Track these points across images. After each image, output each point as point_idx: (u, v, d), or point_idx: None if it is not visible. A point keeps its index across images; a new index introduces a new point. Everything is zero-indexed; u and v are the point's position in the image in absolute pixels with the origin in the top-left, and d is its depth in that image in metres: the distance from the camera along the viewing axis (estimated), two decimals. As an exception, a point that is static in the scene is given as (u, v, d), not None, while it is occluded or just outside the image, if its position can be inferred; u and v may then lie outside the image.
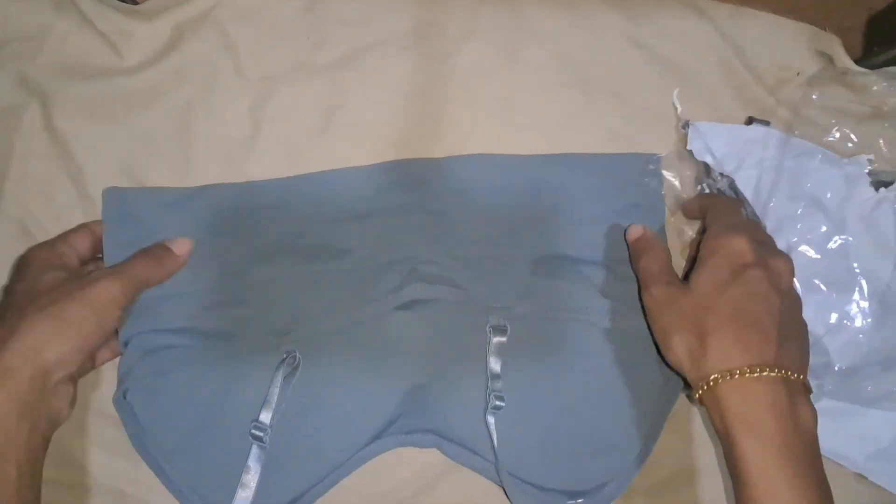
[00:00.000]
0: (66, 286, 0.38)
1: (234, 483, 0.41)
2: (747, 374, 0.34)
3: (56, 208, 0.45)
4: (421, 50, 0.47)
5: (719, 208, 0.42)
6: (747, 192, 0.46)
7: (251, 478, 0.41)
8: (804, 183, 0.45)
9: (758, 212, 0.45)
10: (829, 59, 0.48)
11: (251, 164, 0.46)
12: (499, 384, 0.41)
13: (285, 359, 0.42)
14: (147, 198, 0.44)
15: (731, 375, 0.35)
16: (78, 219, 0.45)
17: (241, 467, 0.41)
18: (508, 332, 0.42)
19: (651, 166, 0.46)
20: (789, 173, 0.46)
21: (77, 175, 0.45)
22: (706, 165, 0.46)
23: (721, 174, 0.46)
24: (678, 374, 0.39)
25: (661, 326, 0.39)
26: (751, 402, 0.34)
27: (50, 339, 0.36)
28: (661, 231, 0.45)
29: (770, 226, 0.45)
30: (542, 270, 0.44)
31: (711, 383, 0.35)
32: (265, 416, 0.41)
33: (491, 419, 0.41)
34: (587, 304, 0.42)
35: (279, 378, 0.41)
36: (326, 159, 0.46)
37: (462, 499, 0.44)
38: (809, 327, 0.40)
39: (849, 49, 0.48)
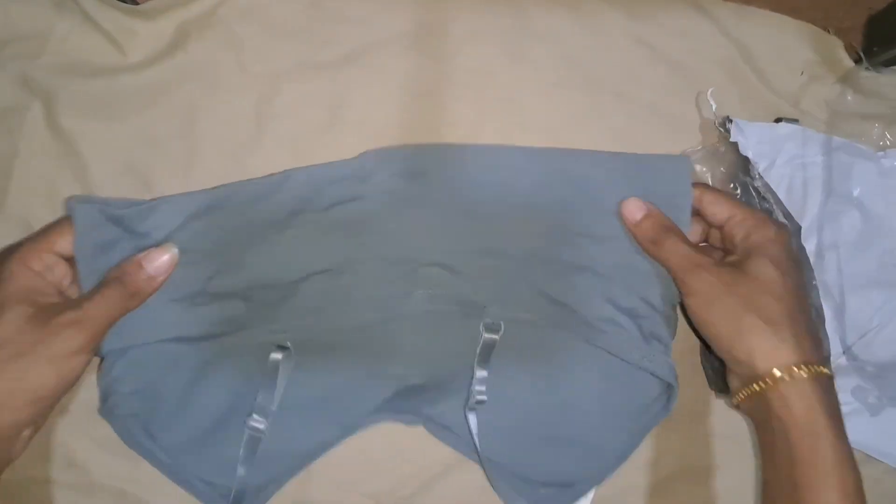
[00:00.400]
0: (30, 335, 0.35)
1: (233, 469, 0.40)
2: (823, 371, 0.35)
3: (60, 207, 0.45)
4: (424, 49, 0.47)
5: (748, 207, 0.41)
6: (780, 190, 0.46)
7: (244, 465, 0.40)
8: (837, 178, 0.46)
9: (791, 211, 0.45)
10: (838, 60, 0.48)
11: (256, 162, 0.46)
12: (483, 379, 0.40)
13: (281, 357, 0.41)
14: (122, 205, 0.41)
15: (813, 367, 0.34)
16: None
17: (236, 458, 0.40)
18: (501, 331, 0.41)
19: (679, 170, 0.43)
20: (822, 169, 0.46)
21: (81, 174, 0.45)
22: (745, 162, 0.46)
23: (758, 173, 0.45)
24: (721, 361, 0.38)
25: (726, 311, 0.36)
26: (832, 397, 0.34)
27: (7, 402, 0.35)
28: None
29: (805, 224, 0.45)
30: (547, 275, 0.42)
31: (797, 371, 0.34)
32: (262, 411, 0.40)
33: (472, 416, 0.40)
34: (589, 316, 0.41)
35: (276, 373, 0.40)
36: (331, 157, 0.45)
37: (460, 499, 0.44)
38: (857, 328, 0.43)
39: (849, 49, 0.48)
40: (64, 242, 0.39)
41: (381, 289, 0.42)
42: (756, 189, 0.45)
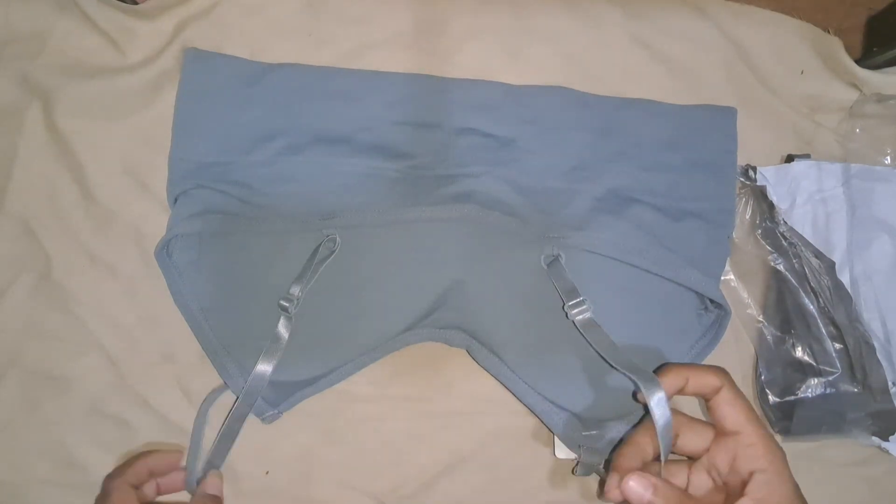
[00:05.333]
0: None
1: (262, 348, 0.41)
2: None
3: (58, 207, 0.45)
4: (423, 48, 0.47)
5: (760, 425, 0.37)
6: (805, 230, 0.46)
7: (277, 348, 0.41)
8: (860, 206, 0.45)
9: (820, 248, 0.45)
10: (838, 60, 0.48)
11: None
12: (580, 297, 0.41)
13: (324, 241, 0.42)
14: (224, 66, 0.45)
15: None
16: (80, 217, 0.45)
17: (269, 335, 0.41)
18: (564, 260, 0.42)
19: (726, 121, 0.46)
20: (843, 200, 0.46)
21: (79, 174, 0.45)
22: (769, 208, 0.46)
23: (782, 218, 0.46)
24: None
25: None
26: None
27: None
28: (733, 200, 0.45)
29: (837, 259, 0.45)
30: (603, 208, 0.44)
31: None
32: (295, 290, 0.41)
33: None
34: (641, 249, 0.42)
35: (315, 257, 0.42)
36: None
37: (460, 498, 0.44)
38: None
39: (849, 49, 0.48)
40: (155, 464, 0.42)
41: (435, 192, 0.43)
42: (782, 234, 0.45)
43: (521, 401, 0.43)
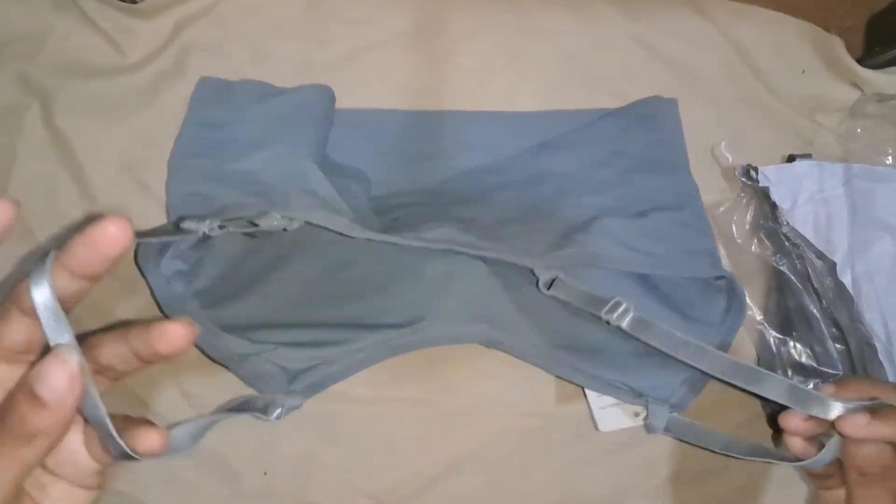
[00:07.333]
0: None
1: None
2: None
3: (58, 208, 0.45)
4: (423, 49, 0.47)
5: None
6: (806, 230, 0.45)
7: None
8: (861, 206, 0.46)
9: (821, 248, 0.45)
10: (838, 60, 0.48)
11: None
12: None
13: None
14: (233, 93, 0.45)
15: None
16: (80, 217, 0.44)
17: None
18: (559, 279, 0.40)
19: (666, 108, 0.46)
20: (844, 200, 0.46)
21: (79, 174, 0.45)
22: (771, 208, 0.46)
23: (785, 220, 0.45)
24: None
25: None
26: None
27: None
28: (691, 184, 0.45)
29: (839, 259, 0.45)
30: (574, 229, 0.42)
31: None
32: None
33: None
34: (614, 255, 0.41)
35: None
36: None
37: (461, 499, 0.44)
38: None
39: (849, 49, 0.48)
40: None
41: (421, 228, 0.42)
42: (785, 235, 0.45)
43: (559, 377, 0.41)
